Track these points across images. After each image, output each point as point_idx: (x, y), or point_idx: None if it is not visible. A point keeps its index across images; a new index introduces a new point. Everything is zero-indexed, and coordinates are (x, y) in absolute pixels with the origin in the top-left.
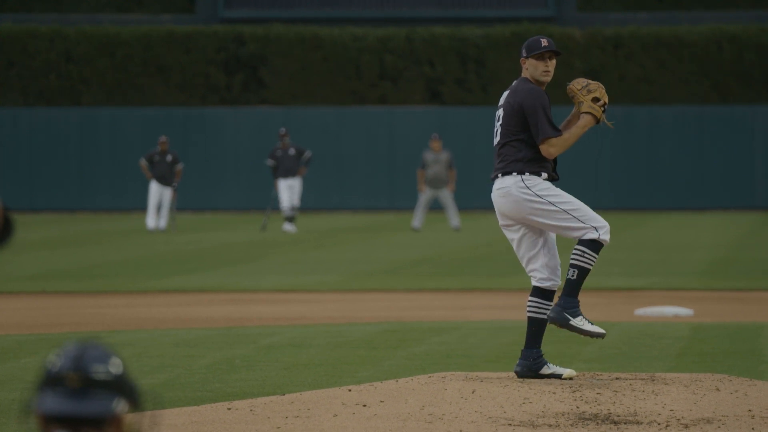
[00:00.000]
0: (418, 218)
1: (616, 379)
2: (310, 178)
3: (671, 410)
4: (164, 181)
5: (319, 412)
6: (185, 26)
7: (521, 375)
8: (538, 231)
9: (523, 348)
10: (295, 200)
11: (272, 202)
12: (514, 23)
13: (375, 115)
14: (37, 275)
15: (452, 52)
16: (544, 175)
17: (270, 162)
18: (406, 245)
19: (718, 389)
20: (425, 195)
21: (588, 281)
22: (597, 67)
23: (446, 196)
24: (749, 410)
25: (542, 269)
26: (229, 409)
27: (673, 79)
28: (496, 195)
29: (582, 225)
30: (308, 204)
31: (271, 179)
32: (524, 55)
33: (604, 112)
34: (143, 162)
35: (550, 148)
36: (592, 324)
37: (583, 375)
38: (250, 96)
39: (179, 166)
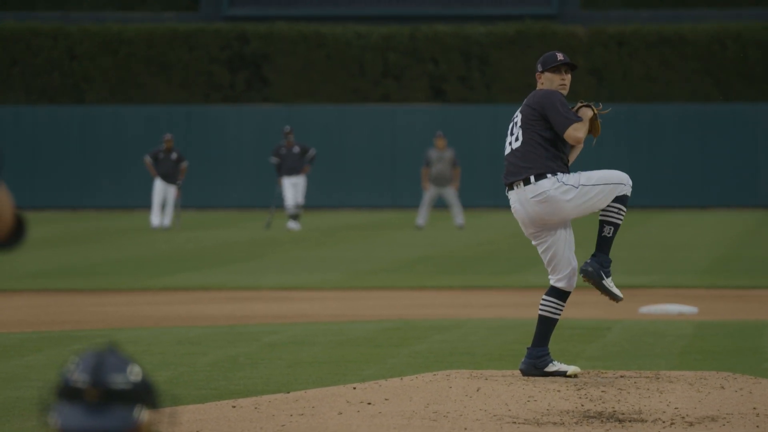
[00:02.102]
0: (422, 216)
1: (621, 377)
2: (313, 175)
3: (676, 408)
4: (169, 178)
5: (324, 410)
6: (188, 24)
7: (526, 373)
8: (564, 237)
9: (529, 346)
10: (300, 198)
11: (276, 200)
12: (518, 21)
13: (378, 113)
14: (39, 273)
15: (455, 50)
16: (566, 168)
17: (274, 159)
18: (408, 243)
19: (722, 387)
20: (429, 193)
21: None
22: (600, 65)
23: (450, 194)
24: (754, 408)
25: (568, 273)
26: (233, 406)
27: (676, 77)
28: (531, 203)
29: (615, 184)
30: (311, 202)
31: (275, 177)
32: (540, 69)
33: (591, 105)
34: (148, 159)
35: (577, 133)
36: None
37: (588, 373)
38: (254, 94)
39: (184, 164)
